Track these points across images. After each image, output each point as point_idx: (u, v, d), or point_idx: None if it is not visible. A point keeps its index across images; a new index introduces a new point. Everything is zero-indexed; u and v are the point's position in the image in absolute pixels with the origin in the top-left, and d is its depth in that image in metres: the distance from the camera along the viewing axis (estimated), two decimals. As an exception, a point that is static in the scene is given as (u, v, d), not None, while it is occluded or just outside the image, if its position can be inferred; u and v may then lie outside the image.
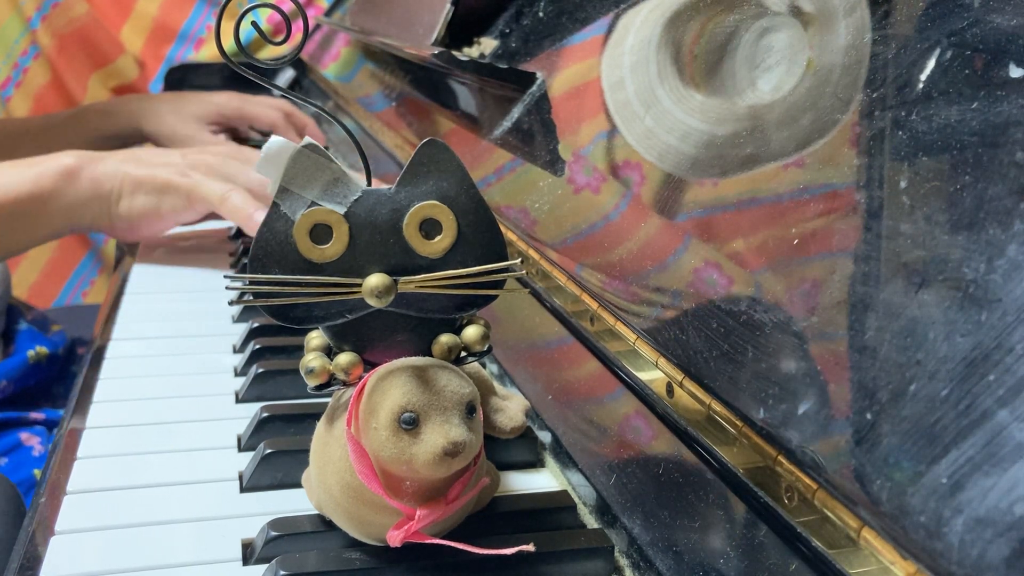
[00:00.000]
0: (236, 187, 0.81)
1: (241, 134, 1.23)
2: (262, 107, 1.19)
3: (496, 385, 0.46)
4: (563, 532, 0.43)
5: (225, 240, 0.93)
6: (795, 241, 0.35)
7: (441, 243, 0.37)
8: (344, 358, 0.38)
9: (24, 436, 0.81)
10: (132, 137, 1.18)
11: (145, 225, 0.83)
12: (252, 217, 0.79)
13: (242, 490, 0.47)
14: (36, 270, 1.78)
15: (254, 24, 0.37)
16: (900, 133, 0.33)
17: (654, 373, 0.40)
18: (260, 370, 0.57)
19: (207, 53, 1.77)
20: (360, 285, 0.37)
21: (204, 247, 0.91)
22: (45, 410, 0.86)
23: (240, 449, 0.51)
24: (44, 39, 1.72)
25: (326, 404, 0.41)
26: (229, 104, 1.19)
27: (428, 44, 0.80)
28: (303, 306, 0.37)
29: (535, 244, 0.54)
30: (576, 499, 0.46)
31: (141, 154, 0.86)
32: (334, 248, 0.37)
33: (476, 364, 0.43)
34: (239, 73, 0.38)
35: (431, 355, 0.39)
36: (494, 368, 0.58)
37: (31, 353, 0.88)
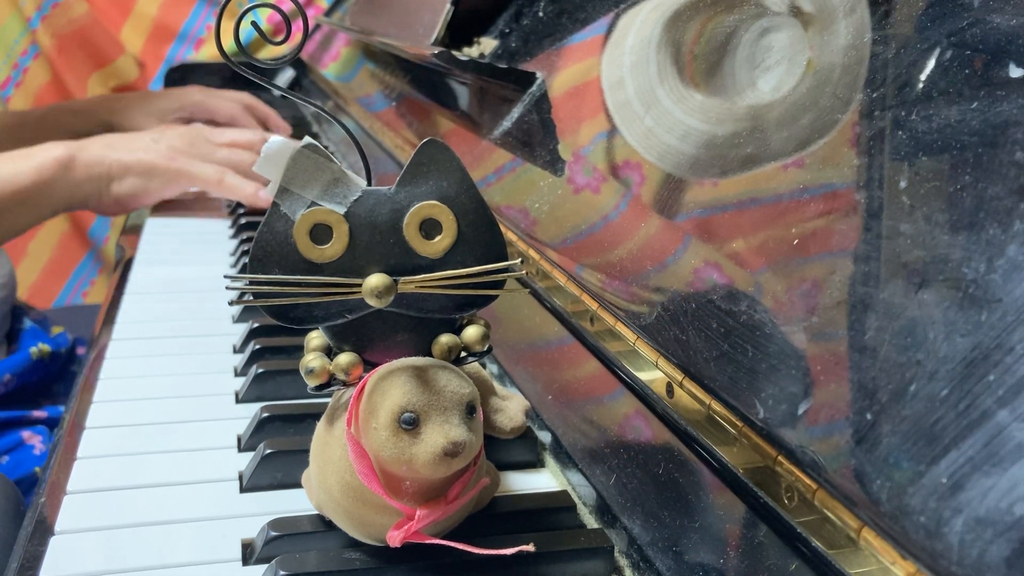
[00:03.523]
0: (225, 167, 0.95)
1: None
2: (222, 100, 1.24)
3: (496, 385, 0.46)
4: (563, 532, 0.43)
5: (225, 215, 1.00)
6: (795, 241, 0.35)
7: (441, 243, 0.37)
8: (344, 358, 0.38)
9: (26, 435, 0.81)
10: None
11: (133, 203, 0.96)
12: (255, 194, 0.93)
13: (242, 490, 0.47)
14: (36, 270, 1.78)
15: (254, 24, 0.37)
16: (900, 133, 0.33)
17: (654, 373, 0.40)
18: (260, 370, 0.57)
19: (207, 53, 1.77)
20: (360, 285, 0.37)
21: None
22: (47, 407, 0.86)
23: (240, 449, 0.51)
24: (44, 39, 1.72)
25: (326, 404, 0.41)
26: (191, 98, 1.24)
27: (428, 44, 0.80)
28: (303, 306, 0.37)
29: (535, 244, 0.54)
30: (576, 499, 0.46)
31: (114, 140, 0.97)
32: (334, 248, 0.37)
33: (476, 364, 0.43)
34: (239, 73, 0.38)
35: (431, 355, 0.39)
36: (494, 368, 0.58)
37: (34, 350, 0.88)
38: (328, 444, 0.39)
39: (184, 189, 0.97)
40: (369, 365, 0.39)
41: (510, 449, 0.49)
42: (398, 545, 0.37)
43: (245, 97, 1.28)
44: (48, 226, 1.78)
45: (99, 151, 0.93)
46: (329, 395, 0.41)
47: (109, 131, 1.22)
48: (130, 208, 0.98)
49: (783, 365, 0.33)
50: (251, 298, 0.38)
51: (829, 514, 0.30)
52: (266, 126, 1.26)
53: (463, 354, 0.39)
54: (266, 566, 0.40)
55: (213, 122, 1.21)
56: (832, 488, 0.30)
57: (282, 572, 0.38)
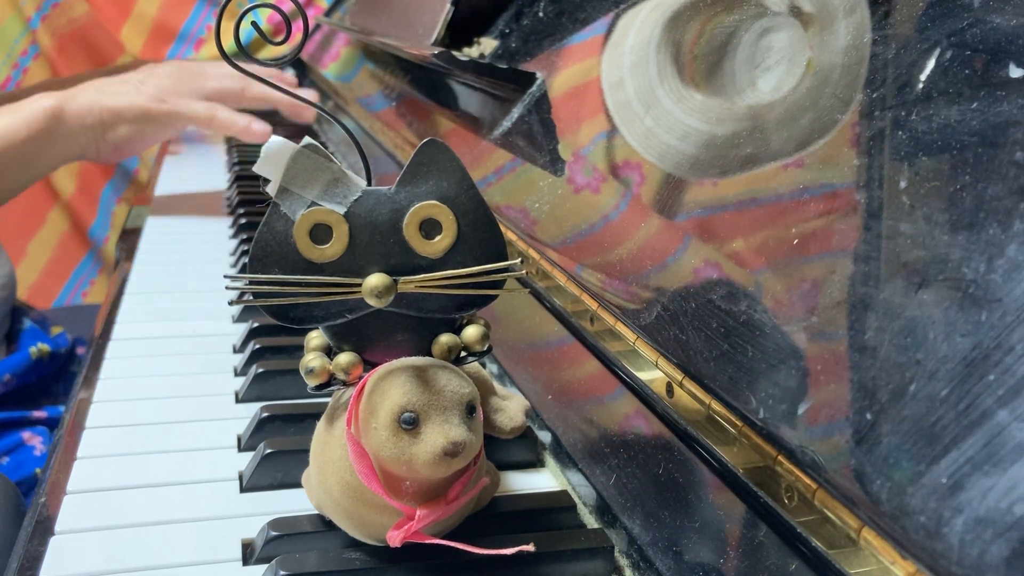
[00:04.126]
0: (216, 103, 0.93)
1: None
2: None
3: (496, 385, 0.46)
4: (563, 532, 0.43)
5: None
6: (795, 241, 0.35)
7: (441, 243, 0.37)
8: (344, 358, 0.38)
9: (26, 435, 0.81)
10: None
11: (129, 149, 0.95)
12: (248, 127, 0.92)
13: (242, 490, 0.47)
14: (36, 270, 1.78)
15: (254, 24, 0.37)
16: (900, 133, 0.33)
17: (654, 373, 0.40)
18: (260, 370, 0.57)
19: (207, 53, 1.77)
20: (360, 285, 0.37)
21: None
22: (47, 408, 0.86)
23: (240, 449, 0.51)
24: (44, 39, 1.72)
25: (326, 404, 0.41)
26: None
27: (428, 44, 0.80)
28: (303, 306, 0.37)
29: (535, 244, 0.54)
30: (576, 499, 0.46)
31: (103, 84, 0.94)
32: (334, 248, 0.37)
33: (476, 364, 0.43)
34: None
35: (431, 355, 0.39)
36: (494, 368, 0.58)
37: (33, 349, 0.88)
38: (328, 444, 0.39)
39: (180, 130, 0.96)
40: (369, 365, 0.39)
41: (510, 449, 0.49)
42: (398, 545, 0.37)
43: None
44: (48, 226, 1.78)
45: (89, 98, 0.91)
46: (329, 395, 0.41)
47: None
48: (127, 154, 0.97)
49: (783, 365, 0.33)
50: (251, 298, 0.38)
51: (829, 514, 0.30)
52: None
53: (463, 354, 0.39)
54: (266, 566, 0.40)
55: None
56: (832, 488, 0.30)
57: (282, 572, 0.38)
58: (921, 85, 0.34)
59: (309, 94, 1.20)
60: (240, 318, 0.70)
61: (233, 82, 0.98)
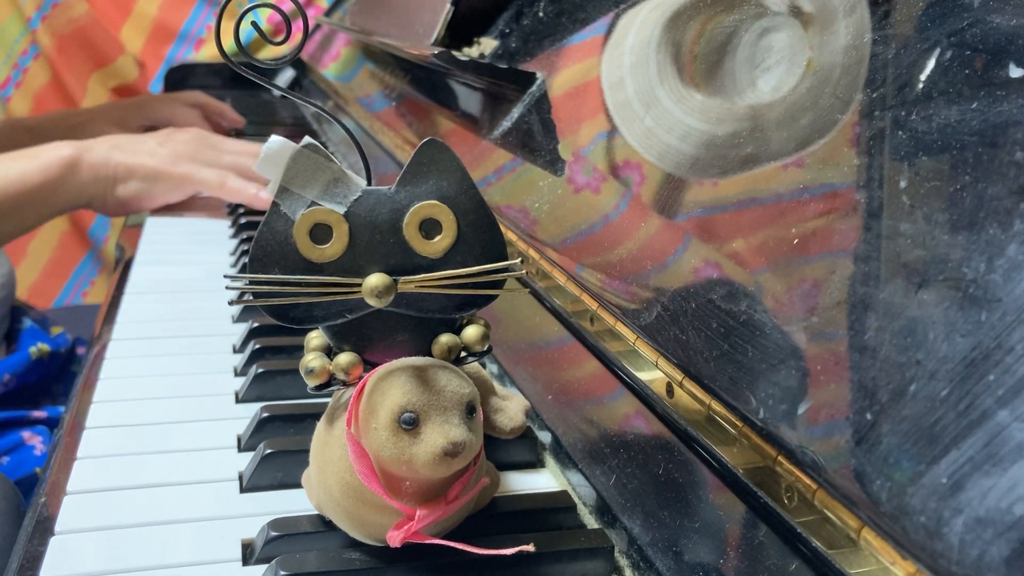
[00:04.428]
0: (227, 171, 0.96)
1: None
2: (177, 105, 1.28)
3: (496, 385, 0.46)
4: (563, 532, 0.43)
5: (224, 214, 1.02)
6: (795, 241, 0.35)
7: (441, 243, 0.37)
8: (344, 358, 0.38)
9: (26, 435, 0.81)
10: None
11: (136, 206, 0.98)
12: (256, 195, 0.94)
13: (242, 490, 0.47)
14: (36, 270, 1.78)
15: (254, 24, 0.37)
16: (900, 133, 0.33)
17: (654, 373, 0.40)
18: (260, 370, 0.57)
19: (207, 53, 1.77)
20: (360, 285, 0.37)
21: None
22: (47, 408, 0.86)
23: (240, 449, 0.51)
24: (44, 39, 1.72)
25: (326, 404, 0.41)
26: (149, 109, 1.28)
27: (428, 44, 0.80)
28: (303, 306, 0.37)
29: (535, 244, 0.54)
30: (576, 499, 0.46)
31: (121, 141, 0.98)
32: (334, 248, 0.37)
33: (476, 364, 0.43)
34: (239, 73, 0.38)
35: (431, 355, 0.39)
36: (494, 368, 0.58)
37: (33, 349, 0.88)
38: (328, 444, 0.39)
39: (188, 194, 0.99)
40: (369, 365, 0.39)
41: (510, 449, 0.49)
42: (398, 545, 0.37)
43: (197, 97, 1.30)
44: (48, 226, 1.78)
45: (105, 152, 0.94)
46: (329, 395, 0.41)
47: None
48: (133, 210, 0.99)
49: (783, 365, 0.33)
50: (251, 298, 0.38)
51: (829, 514, 0.30)
52: (220, 125, 1.29)
53: (463, 354, 0.39)
54: (266, 566, 0.40)
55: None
56: (832, 488, 0.30)
57: (282, 572, 0.38)
58: (921, 85, 0.34)
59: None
60: (240, 318, 0.70)
61: (248, 160, 1.00)
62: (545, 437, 0.50)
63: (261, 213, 0.93)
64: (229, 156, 1.00)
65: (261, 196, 0.95)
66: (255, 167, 0.38)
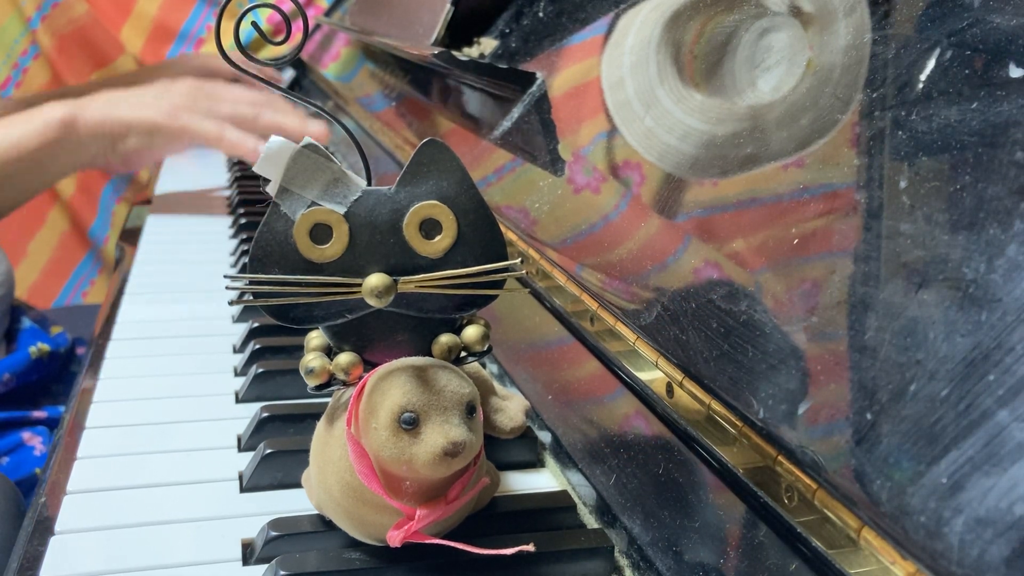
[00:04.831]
0: (226, 123, 0.94)
1: None
2: (173, 72, 1.25)
3: (496, 385, 0.46)
4: (563, 532, 0.43)
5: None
6: (795, 241, 0.35)
7: (441, 243, 0.37)
8: (344, 358, 0.38)
9: (26, 436, 0.81)
10: None
11: (137, 161, 0.96)
12: (255, 150, 0.92)
13: (242, 490, 0.47)
14: (36, 270, 1.77)
15: (254, 24, 0.37)
16: (900, 133, 0.33)
17: (654, 373, 0.40)
18: (260, 370, 0.57)
19: (207, 53, 1.77)
20: (360, 285, 0.37)
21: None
22: (47, 408, 0.86)
23: (240, 449, 0.51)
24: (44, 39, 1.72)
25: (326, 404, 0.41)
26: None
27: (428, 44, 0.80)
28: (303, 306, 0.37)
29: (535, 244, 0.54)
30: (576, 499, 0.46)
31: (116, 97, 0.96)
32: (334, 248, 0.37)
33: (476, 364, 0.43)
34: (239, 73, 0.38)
35: (431, 355, 0.39)
36: (494, 368, 0.58)
37: (33, 349, 0.88)
38: (328, 444, 0.39)
39: (188, 146, 0.97)
40: (369, 365, 0.39)
41: (510, 449, 0.49)
42: (398, 545, 0.37)
43: (192, 60, 1.28)
44: (48, 226, 1.78)
45: (101, 110, 0.92)
46: (329, 395, 0.41)
47: None
48: (137, 166, 0.98)
49: (783, 365, 0.33)
50: (251, 298, 0.38)
51: (829, 514, 0.30)
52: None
53: (463, 354, 0.39)
54: (266, 566, 0.40)
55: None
56: (832, 488, 0.30)
57: (282, 572, 0.38)
58: (921, 85, 0.34)
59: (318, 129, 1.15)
60: (240, 318, 0.70)
61: (247, 109, 0.98)
62: (545, 437, 0.50)
63: (261, 213, 0.93)
64: (227, 105, 0.98)
65: (260, 151, 0.94)
66: (255, 167, 0.38)
